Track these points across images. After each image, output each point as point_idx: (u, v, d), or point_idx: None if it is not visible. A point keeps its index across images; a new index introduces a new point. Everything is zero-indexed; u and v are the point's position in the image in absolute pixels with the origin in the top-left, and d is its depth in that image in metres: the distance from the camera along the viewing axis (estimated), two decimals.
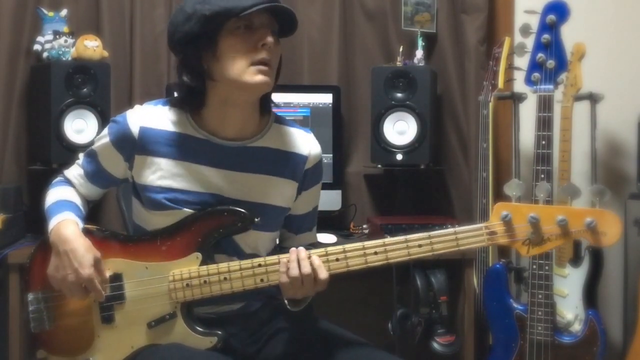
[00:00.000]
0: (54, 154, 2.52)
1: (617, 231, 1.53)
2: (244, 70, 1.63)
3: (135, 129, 1.70)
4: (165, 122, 1.72)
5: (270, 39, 1.64)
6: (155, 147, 1.70)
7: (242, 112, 1.72)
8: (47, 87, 2.53)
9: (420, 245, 1.58)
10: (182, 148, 1.71)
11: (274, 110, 1.82)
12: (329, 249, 1.61)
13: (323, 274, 1.59)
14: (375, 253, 1.59)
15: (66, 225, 1.69)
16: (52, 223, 1.71)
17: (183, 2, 1.67)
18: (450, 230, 1.58)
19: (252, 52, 1.63)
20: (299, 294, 1.62)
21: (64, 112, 2.52)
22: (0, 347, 2.36)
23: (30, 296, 1.73)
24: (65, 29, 2.65)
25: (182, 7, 1.65)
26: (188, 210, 1.69)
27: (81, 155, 1.85)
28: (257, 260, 1.65)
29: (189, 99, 1.71)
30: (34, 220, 2.62)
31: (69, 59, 2.59)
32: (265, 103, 1.76)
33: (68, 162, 2.43)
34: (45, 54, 2.62)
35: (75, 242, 1.66)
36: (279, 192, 1.76)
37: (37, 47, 2.65)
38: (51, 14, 2.68)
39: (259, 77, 1.64)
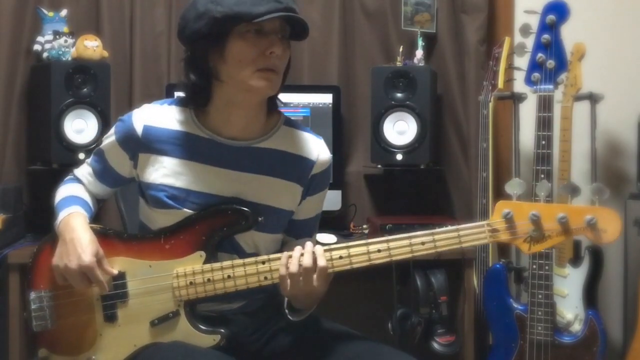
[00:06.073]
0: (54, 154, 2.52)
1: (617, 228, 1.54)
2: (250, 75, 1.62)
3: (139, 128, 1.71)
4: (169, 120, 1.72)
5: (279, 49, 1.62)
6: (159, 146, 1.71)
7: (246, 113, 1.71)
8: (47, 87, 2.53)
9: (423, 243, 1.58)
10: (185, 147, 1.71)
11: (282, 110, 1.81)
12: (332, 246, 1.61)
13: (322, 262, 1.58)
14: (379, 251, 1.59)
15: (75, 217, 1.71)
16: (61, 215, 1.73)
17: None
18: (453, 227, 1.58)
19: (259, 58, 1.61)
20: (296, 290, 1.60)
21: (64, 112, 2.52)
22: (0, 347, 2.36)
23: (33, 295, 1.73)
24: (65, 29, 2.65)
25: (195, 3, 1.63)
26: (188, 211, 1.69)
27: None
28: (260, 258, 1.65)
29: (194, 97, 1.71)
30: (34, 220, 2.63)
31: (69, 59, 2.59)
32: (271, 103, 1.76)
33: (68, 162, 2.46)
34: (45, 54, 2.62)
35: (81, 232, 1.68)
36: (283, 194, 1.75)
37: (37, 47, 2.65)
38: (51, 14, 2.68)
39: (265, 83, 1.64)
